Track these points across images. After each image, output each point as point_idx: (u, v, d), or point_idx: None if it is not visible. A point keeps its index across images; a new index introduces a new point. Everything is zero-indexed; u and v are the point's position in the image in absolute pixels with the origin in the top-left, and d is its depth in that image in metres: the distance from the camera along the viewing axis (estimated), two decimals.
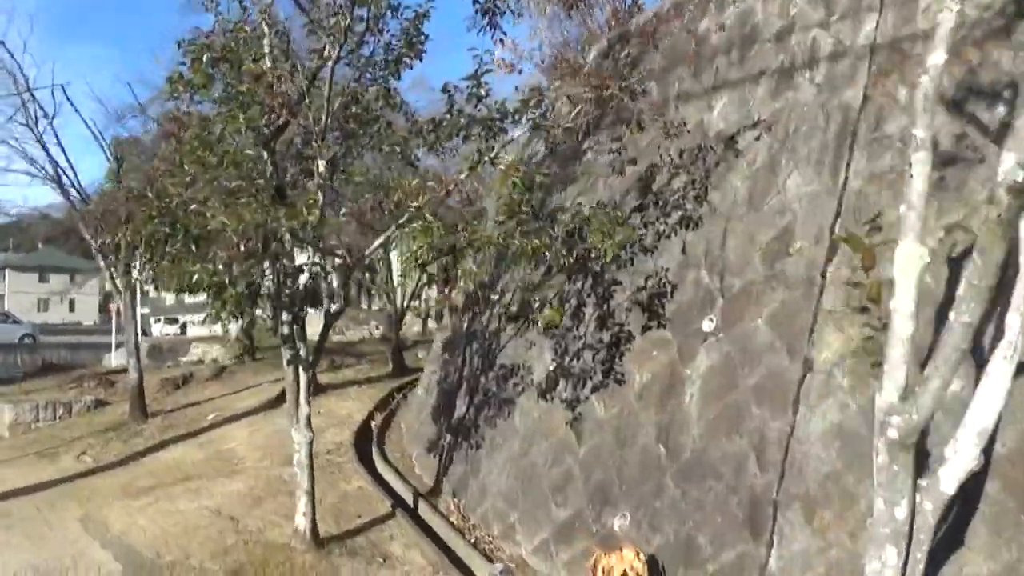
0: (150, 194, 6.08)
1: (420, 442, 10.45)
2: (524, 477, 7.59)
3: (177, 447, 11.60)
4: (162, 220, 5.91)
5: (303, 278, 6.53)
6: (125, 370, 19.69)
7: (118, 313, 31.53)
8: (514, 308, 9.13)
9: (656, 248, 7.30)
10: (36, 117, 12.41)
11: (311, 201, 5.55)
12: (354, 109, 7.19)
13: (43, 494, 9.76)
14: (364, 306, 46.84)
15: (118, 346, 31.88)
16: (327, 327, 7.28)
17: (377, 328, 34.56)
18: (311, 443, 7.16)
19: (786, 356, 5.72)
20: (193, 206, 6.05)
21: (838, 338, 5.47)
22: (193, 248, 6.07)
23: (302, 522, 7.03)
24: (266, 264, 6.24)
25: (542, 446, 7.58)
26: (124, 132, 16.42)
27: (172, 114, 6.04)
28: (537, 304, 7.81)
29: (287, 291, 6.66)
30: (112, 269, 13.61)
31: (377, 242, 6.87)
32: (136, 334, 13.17)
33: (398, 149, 7.36)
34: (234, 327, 19.24)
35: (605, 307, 7.55)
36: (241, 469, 9.99)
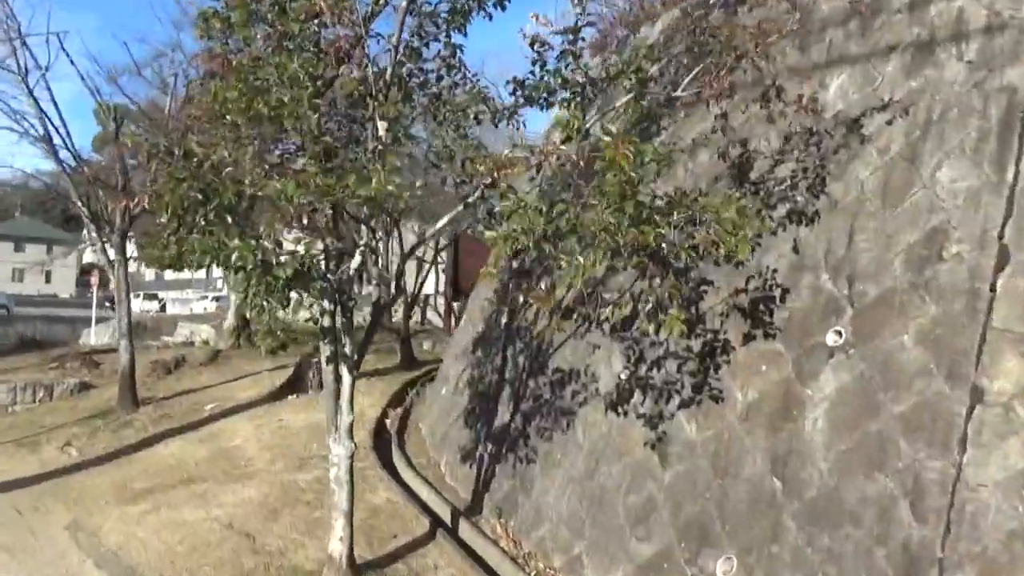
0: (177, 151, 4.95)
1: (450, 448, 9.43)
2: (592, 501, 6.60)
3: (174, 441, 10.46)
4: (193, 184, 4.79)
5: (356, 259, 5.45)
6: (109, 349, 18.42)
7: (99, 286, 30.09)
8: (568, 304, 8.13)
9: (759, 245, 6.32)
10: (27, 68, 11.13)
11: (391, 166, 4.47)
12: (411, 66, 6.13)
13: (24, 492, 8.62)
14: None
15: (98, 321, 30.46)
16: (376, 320, 6.22)
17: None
18: (352, 457, 6.10)
19: (944, 382, 4.78)
20: (229, 168, 4.95)
21: (1019, 365, 4.54)
22: (229, 219, 4.98)
23: (337, 548, 5.99)
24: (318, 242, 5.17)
25: (614, 467, 6.60)
26: (120, 95, 15.08)
27: (214, 51, 4.93)
28: (610, 305, 6.79)
29: (333, 275, 5.58)
30: (105, 240, 12.37)
31: (443, 221, 5.82)
32: (129, 312, 11.97)
33: (463, 114, 6.30)
34: (231, 311, 18.04)
35: (693, 310, 6.55)
36: (251, 472, 8.90)
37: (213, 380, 14.50)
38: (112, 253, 12.05)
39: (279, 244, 4.56)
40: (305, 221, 4.49)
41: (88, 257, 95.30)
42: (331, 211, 4.83)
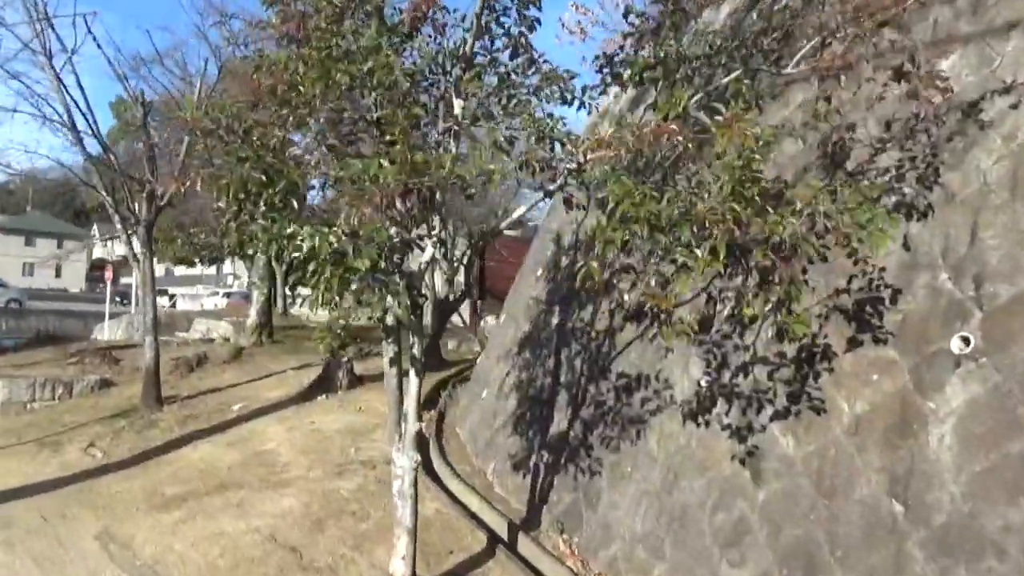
0: (238, 127, 4.42)
1: (497, 456, 8.89)
2: (672, 519, 6.05)
3: (203, 444, 9.96)
4: (256, 164, 4.27)
5: (428, 251, 4.92)
6: (127, 345, 17.99)
7: (113, 281, 29.70)
8: (633, 303, 7.60)
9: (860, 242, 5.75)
10: (51, 52, 10.64)
11: (496, 142, 3.93)
12: (481, 42, 5.59)
13: (49, 497, 8.13)
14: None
15: (111, 316, 30.13)
16: (444, 320, 5.68)
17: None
18: (417, 469, 5.58)
19: None
20: (293, 149, 4.42)
21: None
22: (295, 203, 4.45)
23: (400, 568, 5.46)
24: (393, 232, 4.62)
25: (696, 482, 6.05)
26: (141, 85, 14.62)
27: (288, 12, 4.39)
28: (712, 303, 6.24)
29: (399, 269, 5.04)
30: (131, 232, 11.88)
31: (520, 210, 5.29)
32: (155, 307, 11.48)
33: (535, 96, 5.76)
34: (254, 308, 17.57)
35: (784, 311, 5.98)
36: (288, 479, 8.39)
37: (237, 379, 14.02)
38: (137, 246, 11.54)
39: (355, 233, 4.02)
40: (397, 205, 3.95)
41: (98, 252, 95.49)
42: (427, 194, 4.29)
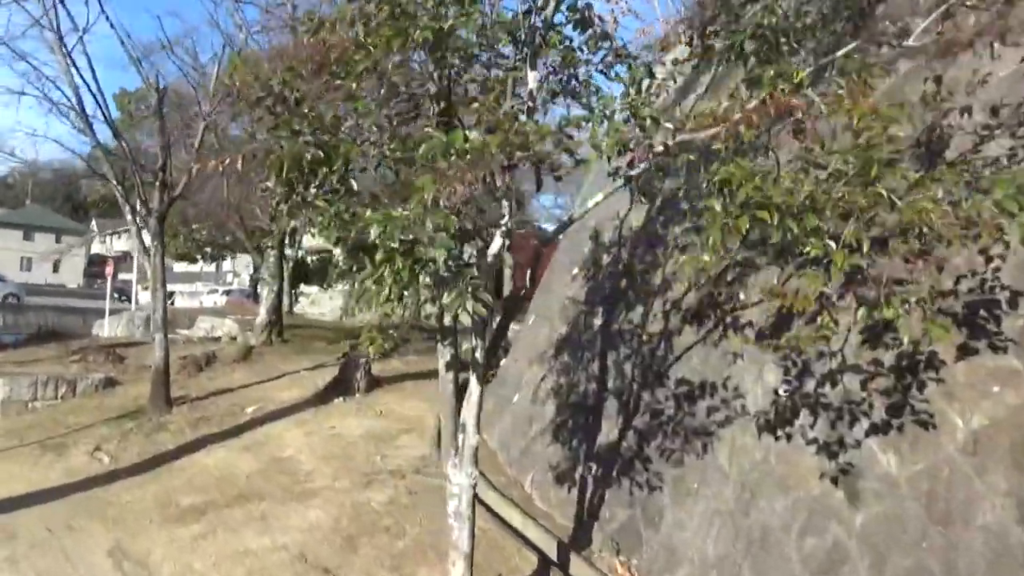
0: (289, 95, 3.84)
1: (534, 465, 8.30)
2: (751, 543, 5.47)
3: (217, 449, 9.35)
4: (312, 139, 3.69)
5: (496, 241, 4.32)
6: (131, 343, 17.37)
7: (113, 276, 29.11)
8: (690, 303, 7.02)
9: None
10: (61, 31, 10.02)
11: (610, 113, 3.34)
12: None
13: (54, 507, 7.52)
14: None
15: (111, 313, 29.50)
16: (510, 318, 5.10)
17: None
18: (475, 487, 4.99)
19: None
20: (349, 122, 3.84)
21: None
22: (354, 185, 3.87)
23: None
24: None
25: (778, 502, 5.47)
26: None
27: None
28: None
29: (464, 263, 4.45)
30: (141, 224, 11.27)
31: (598, 197, 4.70)
32: (165, 303, 10.88)
33: (603, 74, 5.19)
34: (264, 306, 16.95)
35: (876, 314, 5.41)
36: (313, 489, 7.78)
37: (248, 379, 13.40)
38: (147, 238, 10.92)
39: (425, 214, 3.42)
40: (479, 186, 3.36)
41: (95, 248, 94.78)
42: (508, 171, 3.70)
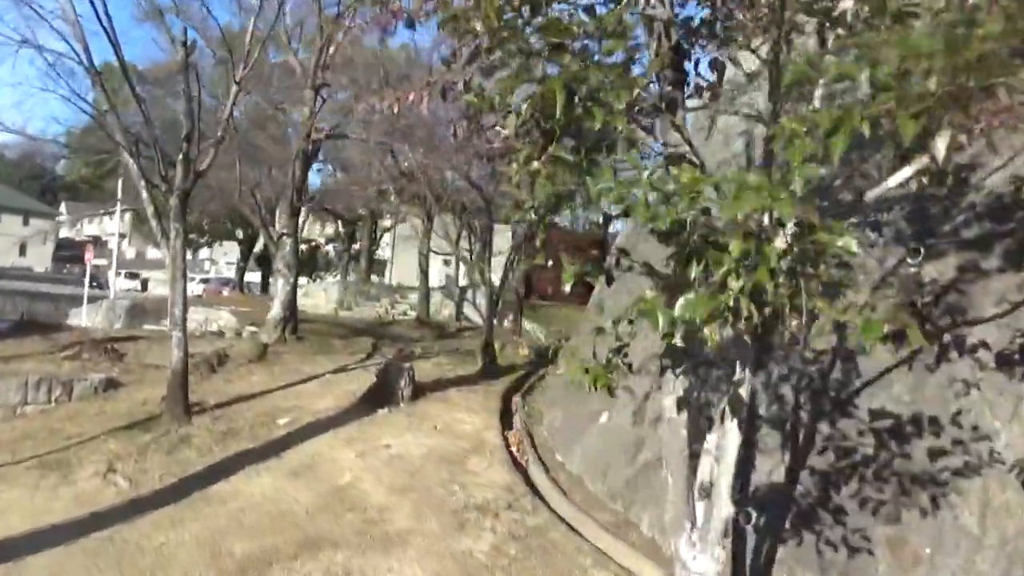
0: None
1: (650, 501, 6.93)
2: None
3: (259, 472, 7.83)
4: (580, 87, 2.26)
5: (789, 227, 2.95)
6: (129, 337, 15.62)
7: (76, 262, 27.29)
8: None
9: None
10: None
11: None
12: None
13: (67, 553, 5.98)
14: (375, 278, 42.70)
15: (90, 300, 27.65)
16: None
17: (393, 306, 30.80)
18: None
19: None
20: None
21: None
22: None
23: None
24: None
25: None
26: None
27: None
28: None
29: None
30: (159, 203, 9.66)
31: (899, 175, 3.36)
32: (184, 295, 9.30)
33: None
34: (278, 299, 15.34)
35: None
36: (396, 533, 6.31)
37: (269, 382, 11.83)
38: (173, 219, 9.27)
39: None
40: None
41: (64, 232, 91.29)
42: None
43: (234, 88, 9.39)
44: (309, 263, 41.60)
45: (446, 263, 37.84)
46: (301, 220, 18.23)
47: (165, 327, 23.86)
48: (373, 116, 16.40)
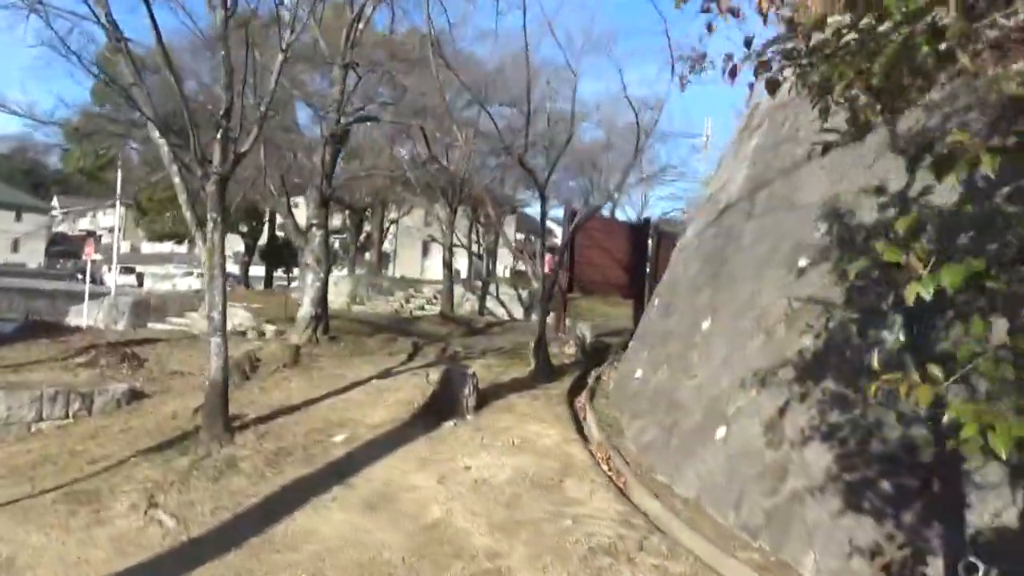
0: None
1: (813, 538, 5.79)
2: None
3: (325, 504, 6.65)
4: None
5: None
6: (148, 340, 14.39)
7: (70, 257, 26.31)
8: None
9: None
10: None
11: None
12: None
13: None
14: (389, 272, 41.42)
15: (91, 298, 26.60)
16: None
17: (408, 300, 29.60)
18: None
19: None
20: None
21: None
22: None
23: None
24: None
25: None
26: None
27: None
28: None
29: None
30: (200, 189, 8.40)
31: None
32: (224, 293, 8.08)
33: None
34: (308, 296, 14.10)
35: None
36: None
37: (310, 390, 10.63)
38: (210, 208, 8.02)
39: None
40: None
41: (57, 227, 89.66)
42: None
43: (280, 56, 8.15)
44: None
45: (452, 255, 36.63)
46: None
47: (174, 325, 22.68)
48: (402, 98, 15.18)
